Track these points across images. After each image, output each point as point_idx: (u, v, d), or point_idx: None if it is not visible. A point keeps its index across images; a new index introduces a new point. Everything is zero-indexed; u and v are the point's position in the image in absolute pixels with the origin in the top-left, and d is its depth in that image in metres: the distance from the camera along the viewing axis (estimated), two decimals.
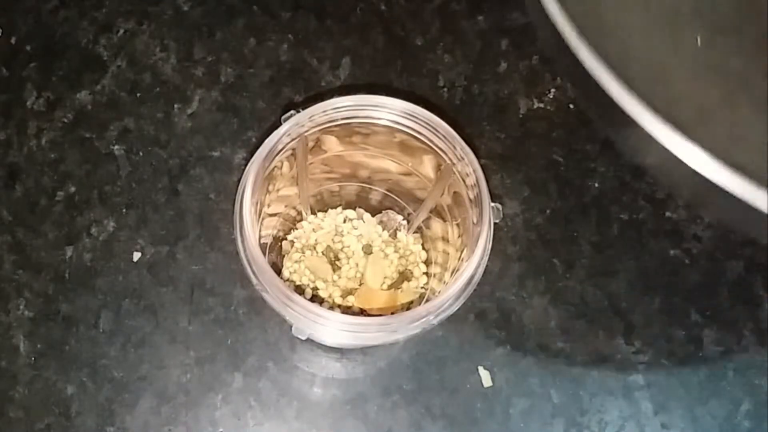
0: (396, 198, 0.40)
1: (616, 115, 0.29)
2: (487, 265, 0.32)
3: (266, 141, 0.33)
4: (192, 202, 0.42)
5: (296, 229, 0.40)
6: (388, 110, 0.34)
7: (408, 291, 0.39)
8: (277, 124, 0.33)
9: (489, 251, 0.32)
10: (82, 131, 0.44)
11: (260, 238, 0.36)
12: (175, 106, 0.44)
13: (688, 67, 0.40)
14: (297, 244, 0.39)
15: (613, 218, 0.43)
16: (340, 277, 0.39)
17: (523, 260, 0.42)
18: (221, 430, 0.38)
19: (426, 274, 0.39)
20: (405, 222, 0.40)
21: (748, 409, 0.40)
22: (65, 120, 0.44)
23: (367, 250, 0.39)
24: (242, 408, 0.39)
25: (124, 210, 0.42)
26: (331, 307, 0.38)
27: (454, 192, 0.35)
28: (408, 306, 0.38)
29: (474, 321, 0.41)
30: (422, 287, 0.39)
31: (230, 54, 0.46)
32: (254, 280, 0.31)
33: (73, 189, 0.42)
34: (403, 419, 0.39)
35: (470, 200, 0.34)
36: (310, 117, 0.33)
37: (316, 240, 0.39)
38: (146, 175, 0.43)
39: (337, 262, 0.39)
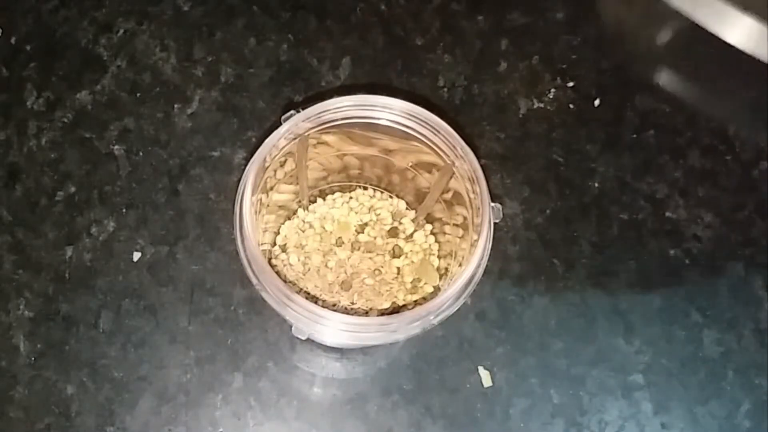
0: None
1: None
2: (487, 265, 0.32)
3: (266, 141, 0.33)
4: (192, 202, 0.42)
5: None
6: (388, 110, 0.34)
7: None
8: (277, 124, 0.33)
9: (489, 251, 0.32)
10: (82, 131, 0.44)
11: (260, 237, 0.36)
12: (175, 106, 0.44)
13: None
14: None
15: (613, 218, 0.43)
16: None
17: (523, 260, 0.42)
18: (221, 430, 0.38)
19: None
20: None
21: (748, 409, 0.40)
22: (65, 120, 0.44)
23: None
24: (242, 408, 0.39)
25: (124, 210, 0.42)
26: (333, 306, 0.38)
27: (454, 192, 0.35)
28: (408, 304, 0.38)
29: (474, 321, 0.41)
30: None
31: (230, 54, 0.46)
32: (254, 280, 0.31)
33: (73, 189, 0.42)
34: (403, 419, 0.39)
35: (470, 200, 0.34)
36: (310, 117, 0.33)
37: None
38: (146, 175, 0.43)
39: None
